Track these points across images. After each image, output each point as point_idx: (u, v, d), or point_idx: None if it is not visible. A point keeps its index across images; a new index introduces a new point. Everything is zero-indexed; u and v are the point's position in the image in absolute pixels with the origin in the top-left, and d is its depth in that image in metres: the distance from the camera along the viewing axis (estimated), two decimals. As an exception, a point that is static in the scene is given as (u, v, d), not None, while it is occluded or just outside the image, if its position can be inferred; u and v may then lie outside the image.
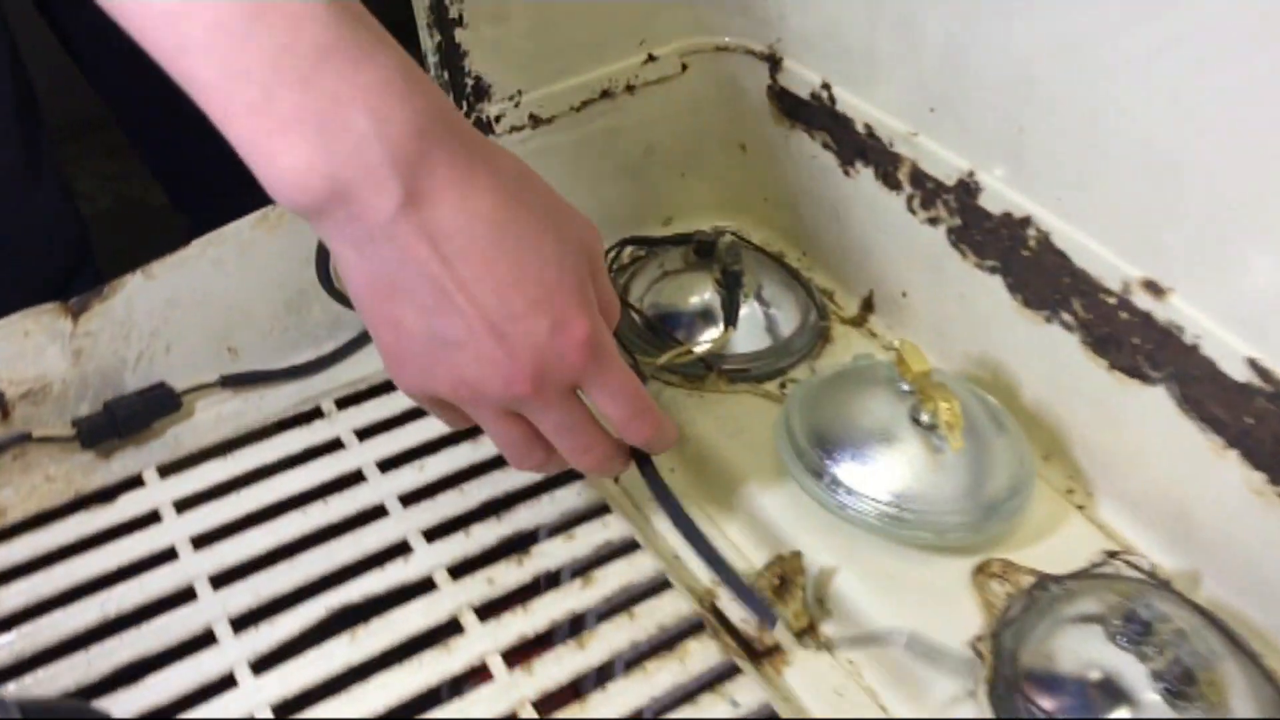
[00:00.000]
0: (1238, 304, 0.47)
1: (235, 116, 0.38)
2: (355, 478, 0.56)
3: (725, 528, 0.56)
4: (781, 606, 0.51)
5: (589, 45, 0.65)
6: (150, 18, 0.37)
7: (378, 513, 0.55)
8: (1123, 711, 0.45)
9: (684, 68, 0.68)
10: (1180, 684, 0.44)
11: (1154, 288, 0.50)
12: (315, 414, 0.60)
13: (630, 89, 0.67)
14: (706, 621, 0.51)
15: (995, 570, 0.52)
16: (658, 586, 0.52)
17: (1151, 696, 0.45)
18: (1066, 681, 0.46)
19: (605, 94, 0.66)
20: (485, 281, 0.41)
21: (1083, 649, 0.47)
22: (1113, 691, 0.45)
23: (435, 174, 0.40)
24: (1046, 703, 0.46)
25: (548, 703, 0.48)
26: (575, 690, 0.48)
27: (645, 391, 0.48)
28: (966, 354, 0.61)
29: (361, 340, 0.64)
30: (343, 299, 0.59)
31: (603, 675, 0.49)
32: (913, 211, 0.61)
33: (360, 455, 0.57)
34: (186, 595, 0.51)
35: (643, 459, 0.53)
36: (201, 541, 0.53)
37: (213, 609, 0.51)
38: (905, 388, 0.55)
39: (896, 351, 0.54)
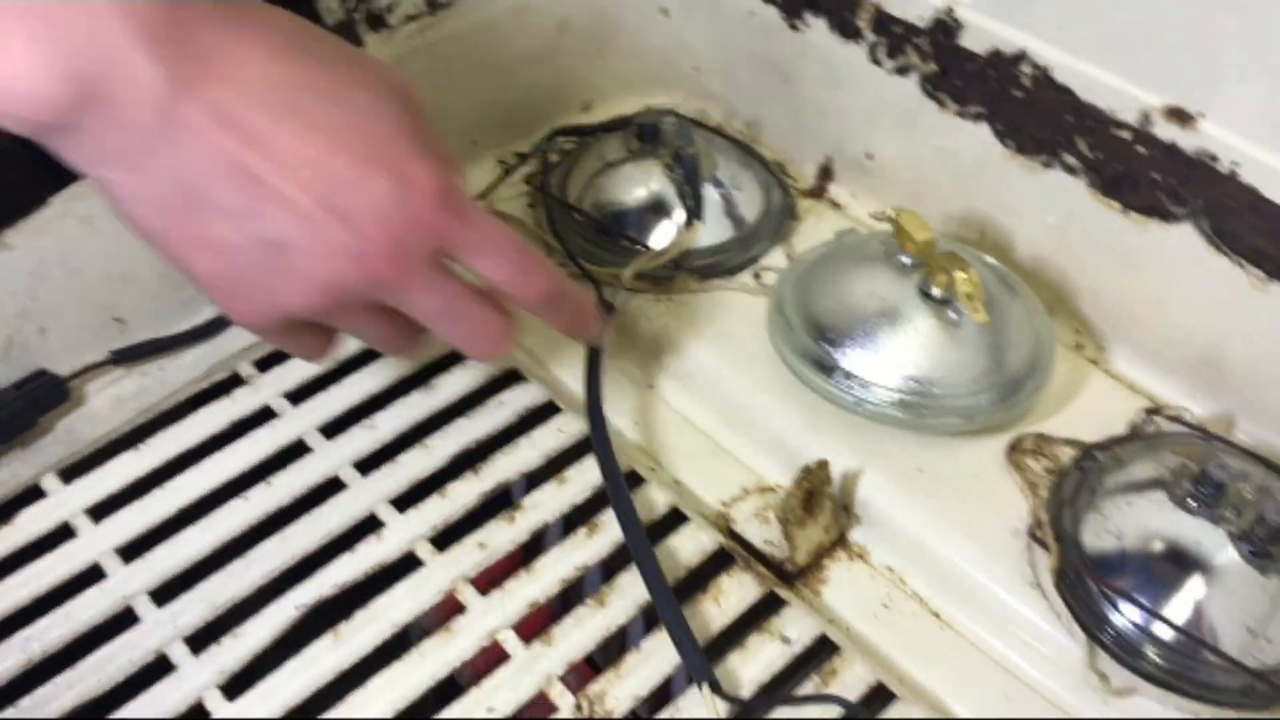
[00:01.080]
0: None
1: None
2: (298, 449, 0.48)
3: (729, 445, 0.50)
4: (811, 523, 0.45)
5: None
6: None
7: (333, 487, 0.47)
8: (1206, 579, 0.41)
9: (594, -75, 0.60)
10: (1267, 544, 0.41)
11: (1180, 115, 0.45)
12: (234, 381, 0.51)
13: (537, -45, 0.58)
14: (733, 552, 0.45)
15: (1030, 446, 0.48)
16: (672, 521, 0.46)
17: (1235, 560, 0.41)
18: (1140, 557, 0.43)
19: (510, -36, 0.58)
20: (302, 156, 0.34)
21: (1151, 520, 0.43)
22: (1192, 561, 0.42)
23: (200, 44, 0.32)
24: (1123, 583, 0.42)
25: (578, 675, 0.42)
26: (603, 656, 0.43)
27: (527, 243, 0.41)
28: (948, 214, 0.56)
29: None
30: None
31: (634, 634, 0.43)
32: (877, 62, 0.54)
33: (298, 422, 0.49)
34: (126, 619, 0.43)
35: (592, 352, 0.47)
36: (130, 552, 0.45)
37: (162, 630, 0.43)
38: (907, 261, 0.49)
39: (893, 221, 0.49)
